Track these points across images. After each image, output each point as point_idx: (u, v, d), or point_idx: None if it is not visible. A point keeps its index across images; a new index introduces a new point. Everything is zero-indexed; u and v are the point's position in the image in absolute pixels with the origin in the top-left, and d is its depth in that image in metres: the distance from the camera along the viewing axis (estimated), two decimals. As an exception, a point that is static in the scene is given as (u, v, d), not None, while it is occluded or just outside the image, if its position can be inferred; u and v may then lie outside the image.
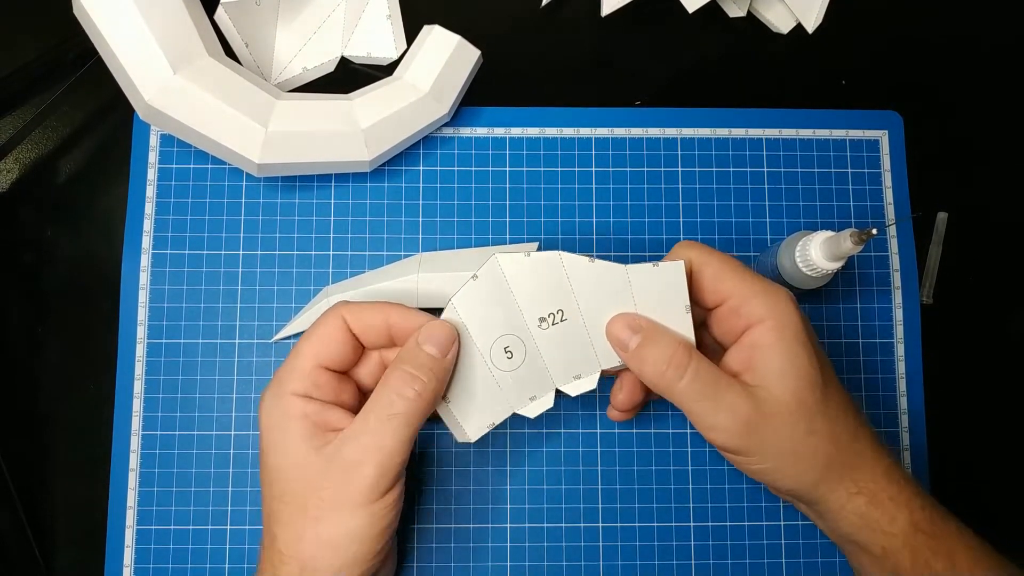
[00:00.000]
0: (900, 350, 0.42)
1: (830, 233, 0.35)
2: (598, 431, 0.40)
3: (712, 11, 0.44)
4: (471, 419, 0.33)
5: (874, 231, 0.32)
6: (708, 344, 0.35)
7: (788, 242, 0.38)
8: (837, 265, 0.35)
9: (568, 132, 0.43)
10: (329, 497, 0.30)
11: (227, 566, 0.39)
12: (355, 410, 0.32)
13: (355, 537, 0.30)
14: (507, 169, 0.43)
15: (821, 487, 0.31)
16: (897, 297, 0.42)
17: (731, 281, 0.32)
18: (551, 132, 0.43)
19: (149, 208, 0.41)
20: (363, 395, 0.35)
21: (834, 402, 0.32)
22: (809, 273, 0.36)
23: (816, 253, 0.35)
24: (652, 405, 0.40)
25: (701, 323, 0.35)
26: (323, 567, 0.29)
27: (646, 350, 0.32)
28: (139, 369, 0.40)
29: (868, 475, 0.32)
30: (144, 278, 0.41)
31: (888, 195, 0.43)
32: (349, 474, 0.30)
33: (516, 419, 0.40)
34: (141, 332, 0.40)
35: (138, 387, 0.40)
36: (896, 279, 0.42)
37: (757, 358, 0.31)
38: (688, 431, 0.40)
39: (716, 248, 0.34)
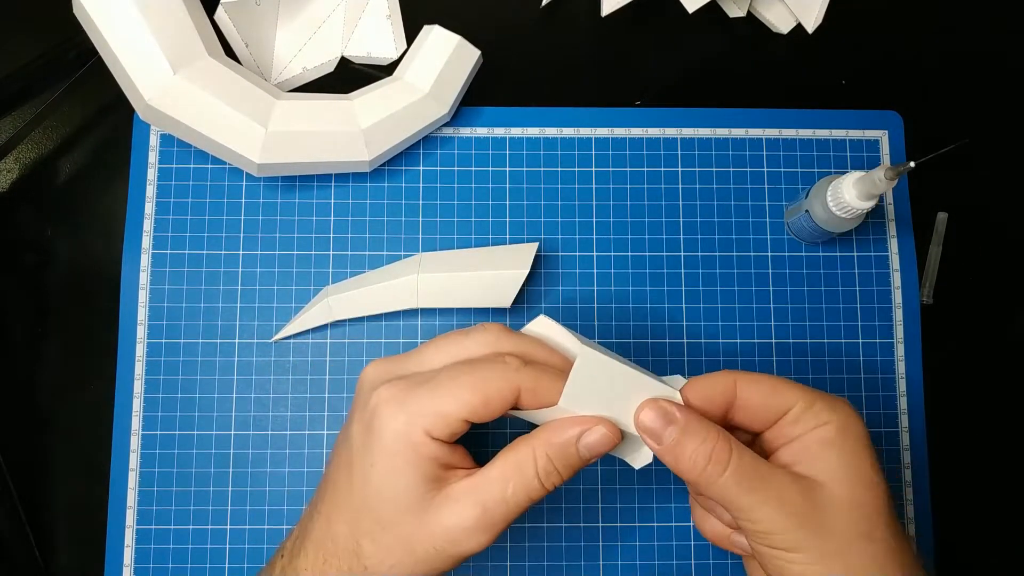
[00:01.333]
0: (900, 350, 0.42)
1: (862, 172, 0.35)
2: (598, 431, 0.40)
3: (712, 11, 0.44)
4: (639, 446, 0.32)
5: (911, 164, 0.31)
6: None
7: (818, 186, 0.38)
8: (870, 204, 0.35)
9: (568, 132, 0.43)
10: (435, 543, 0.29)
11: (227, 566, 0.39)
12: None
13: (439, 572, 0.30)
14: (507, 169, 0.43)
15: None
16: (897, 297, 0.42)
17: (790, 391, 0.30)
18: (551, 132, 0.43)
19: (149, 208, 0.41)
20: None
21: (896, 521, 0.29)
22: (841, 214, 0.36)
23: (849, 193, 0.35)
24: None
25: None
26: None
27: (683, 445, 0.29)
28: (139, 369, 0.40)
29: None
30: (144, 278, 0.41)
31: (888, 195, 0.43)
32: (460, 534, 0.29)
33: (516, 419, 0.40)
34: (141, 332, 0.40)
35: (138, 387, 0.40)
36: (896, 279, 0.42)
37: (813, 453, 0.29)
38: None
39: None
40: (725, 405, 0.31)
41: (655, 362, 0.41)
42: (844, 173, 0.36)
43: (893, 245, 0.42)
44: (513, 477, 0.30)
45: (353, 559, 0.30)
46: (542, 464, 0.30)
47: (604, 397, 0.30)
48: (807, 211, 0.38)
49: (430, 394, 0.29)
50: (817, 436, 0.29)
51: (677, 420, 0.29)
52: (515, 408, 0.30)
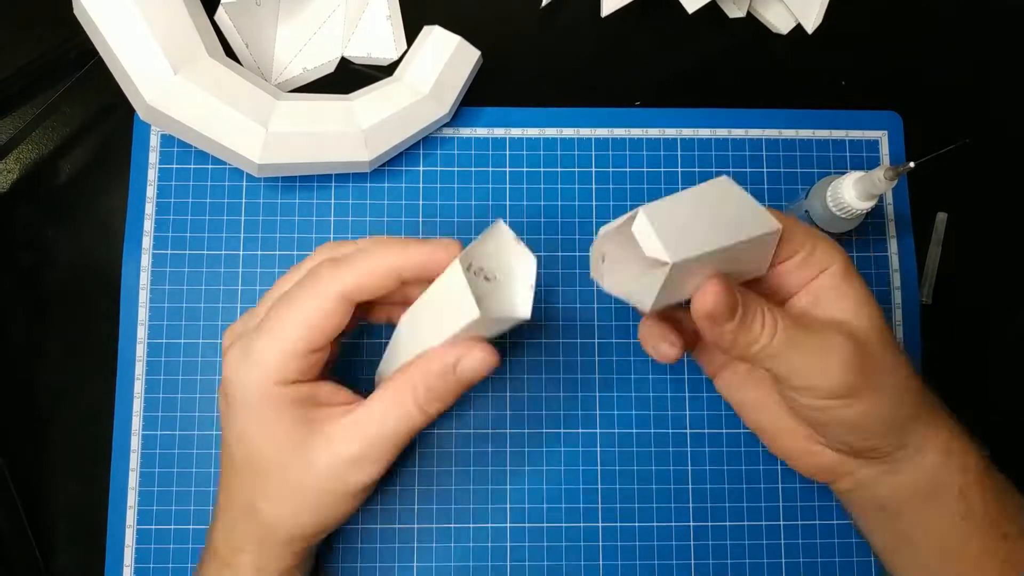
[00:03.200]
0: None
1: (862, 172, 0.35)
2: (598, 431, 0.40)
3: (712, 11, 0.44)
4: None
5: (911, 164, 0.32)
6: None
7: (818, 186, 0.38)
8: (869, 204, 0.35)
9: (568, 132, 0.43)
10: (323, 485, 0.30)
11: (227, 566, 0.39)
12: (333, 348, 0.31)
13: (344, 516, 0.32)
14: (507, 169, 0.43)
15: (909, 425, 0.31)
16: (897, 297, 0.42)
17: (798, 235, 0.30)
18: (551, 132, 0.43)
19: (149, 208, 0.41)
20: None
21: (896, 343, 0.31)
22: (840, 214, 0.36)
23: (848, 193, 0.35)
24: (652, 404, 0.40)
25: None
26: (310, 535, 0.32)
27: (748, 328, 0.29)
28: (139, 369, 0.40)
29: (942, 411, 0.31)
30: (144, 278, 0.41)
31: (888, 195, 0.43)
32: (347, 472, 0.30)
33: (516, 419, 0.40)
34: (141, 332, 0.40)
35: (138, 387, 0.40)
36: (896, 279, 0.42)
37: (833, 296, 0.30)
38: (688, 431, 0.40)
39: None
40: None
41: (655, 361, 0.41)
42: (844, 173, 0.36)
43: (893, 245, 0.42)
44: (393, 410, 0.30)
45: (252, 519, 0.31)
46: (421, 394, 0.29)
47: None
48: (807, 211, 0.38)
49: (263, 342, 0.29)
50: (829, 280, 0.30)
51: (734, 302, 0.28)
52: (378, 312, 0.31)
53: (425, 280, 0.30)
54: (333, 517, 0.31)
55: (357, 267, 0.29)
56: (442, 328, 0.29)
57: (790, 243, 0.30)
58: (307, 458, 0.29)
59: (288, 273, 0.33)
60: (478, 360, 0.29)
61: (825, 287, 0.30)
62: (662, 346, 0.32)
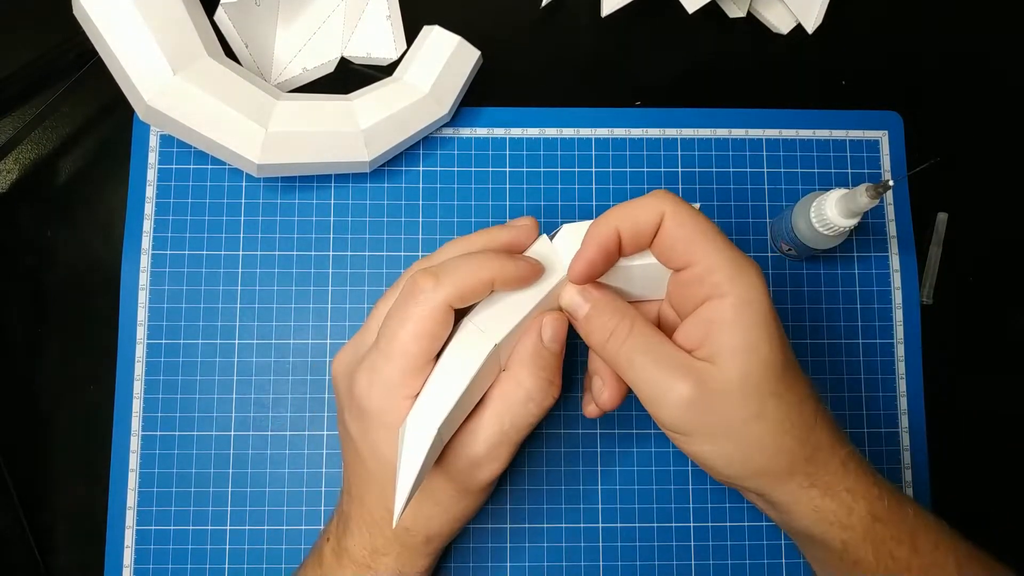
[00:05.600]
0: (900, 350, 0.42)
1: (845, 190, 0.35)
2: (598, 431, 0.40)
3: (712, 11, 0.44)
4: None
5: (891, 183, 0.31)
6: (666, 317, 0.34)
7: (802, 203, 0.38)
8: (852, 222, 0.35)
9: (568, 132, 0.43)
10: (455, 485, 0.32)
11: (227, 566, 0.39)
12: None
13: (473, 512, 0.34)
14: (507, 169, 0.43)
15: (769, 478, 0.30)
16: (897, 297, 0.42)
17: (700, 245, 0.29)
18: (551, 132, 0.43)
19: (149, 208, 0.41)
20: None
21: (792, 389, 0.29)
22: (825, 232, 0.36)
23: (832, 211, 0.35)
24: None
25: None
26: (445, 533, 0.34)
27: (593, 318, 0.31)
28: (139, 369, 0.40)
29: (823, 467, 0.30)
30: (144, 278, 0.41)
31: (888, 195, 0.43)
32: (478, 469, 0.32)
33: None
34: (141, 332, 0.40)
35: (138, 387, 0.40)
36: (896, 279, 0.42)
37: (712, 333, 0.29)
38: (688, 431, 0.40)
39: (660, 190, 0.32)
40: (650, 234, 0.30)
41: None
42: (828, 190, 0.36)
43: (893, 245, 0.42)
44: (506, 409, 0.32)
45: (390, 526, 0.33)
46: (530, 384, 0.32)
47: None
48: (792, 227, 0.38)
49: (385, 360, 0.31)
50: (713, 311, 0.29)
51: (590, 298, 0.31)
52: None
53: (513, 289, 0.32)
54: (463, 516, 0.34)
55: (457, 276, 0.30)
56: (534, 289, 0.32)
57: (686, 254, 0.30)
58: (442, 465, 0.32)
59: (386, 293, 0.35)
60: (554, 319, 0.32)
61: (714, 320, 0.29)
62: (587, 407, 0.35)
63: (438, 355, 0.31)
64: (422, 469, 0.28)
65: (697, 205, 0.31)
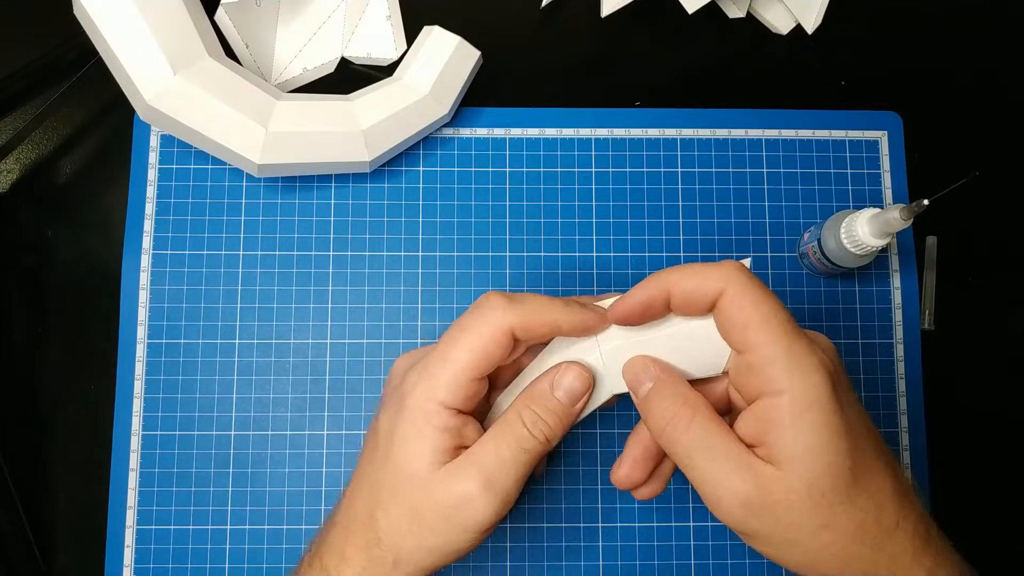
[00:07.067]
0: (900, 351, 0.42)
1: (876, 209, 0.34)
2: (598, 431, 0.40)
3: (712, 11, 0.44)
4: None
5: (925, 202, 0.31)
6: (733, 398, 0.32)
7: (832, 220, 0.38)
8: (883, 242, 0.35)
9: (568, 132, 0.43)
10: (443, 513, 0.30)
11: (227, 566, 0.39)
12: (483, 409, 0.32)
13: (456, 551, 0.30)
14: (507, 169, 0.43)
15: None
16: (897, 298, 0.42)
17: (756, 331, 0.27)
18: (551, 132, 0.43)
19: (149, 208, 0.41)
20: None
21: (868, 493, 0.27)
22: (855, 251, 0.36)
23: (863, 230, 0.35)
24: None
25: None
26: (417, 563, 0.30)
27: (653, 400, 0.29)
28: (139, 369, 0.40)
29: (905, 571, 0.27)
30: (144, 278, 0.41)
31: (888, 195, 0.43)
32: (467, 505, 0.29)
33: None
34: (141, 332, 0.40)
35: (138, 387, 0.40)
36: (896, 280, 0.42)
37: (770, 433, 0.27)
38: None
39: (716, 251, 0.32)
40: (704, 306, 0.29)
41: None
42: (860, 208, 0.36)
43: (893, 245, 0.42)
44: (504, 435, 0.30)
45: (369, 532, 0.31)
46: (527, 416, 0.30)
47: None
48: (820, 245, 0.38)
49: (436, 362, 0.30)
50: (768, 410, 0.27)
51: (652, 376, 0.30)
52: (520, 349, 0.32)
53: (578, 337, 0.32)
54: (445, 549, 0.30)
55: (527, 306, 0.30)
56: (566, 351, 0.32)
57: (742, 339, 0.28)
58: (431, 484, 0.30)
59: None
60: (574, 373, 0.31)
61: (771, 420, 0.27)
62: (618, 475, 0.33)
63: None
64: None
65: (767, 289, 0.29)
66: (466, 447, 0.31)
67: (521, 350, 0.33)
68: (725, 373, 0.31)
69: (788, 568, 0.28)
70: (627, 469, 0.32)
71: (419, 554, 0.30)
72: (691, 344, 0.30)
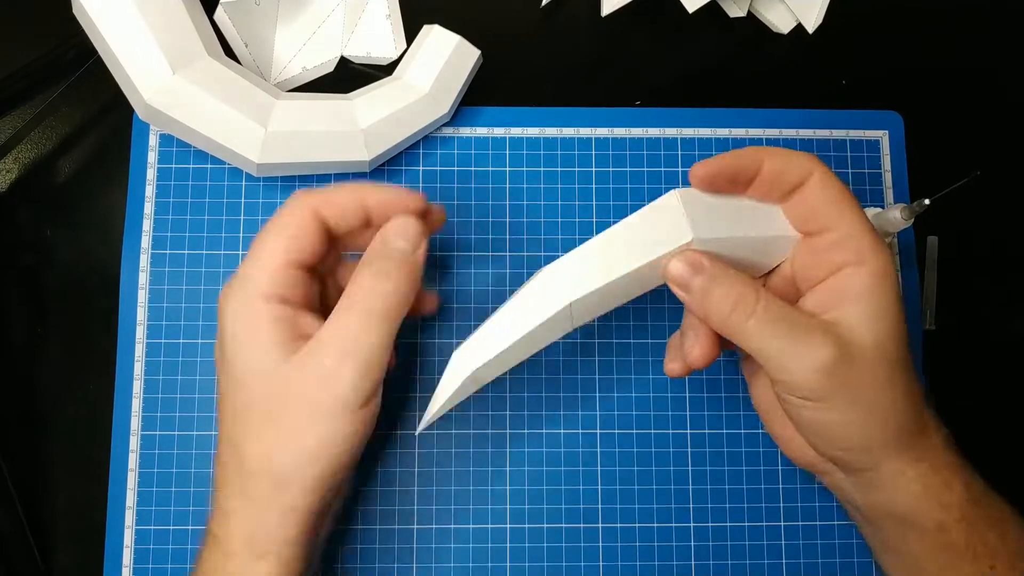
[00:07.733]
0: (900, 350, 0.42)
1: (877, 209, 0.34)
2: (598, 431, 0.40)
3: (712, 11, 0.44)
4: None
5: (926, 202, 0.31)
6: (780, 290, 0.32)
7: None
8: (886, 241, 0.34)
9: (568, 132, 0.43)
10: (306, 406, 0.28)
11: (227, 566, 0.39)
12: (323, 315, 0.30)
13: (335, 444, 0.28)
14: (507, 169, 0.42)
15: (887, 449, 0.29)
16: (897, 297, 0.42)
17: (844, 210, 0.29)
18: (551, 132, 0.43)
19: (148, 208, 0.41)
20: (326, 299, 0.33)
21: (910, 363, 0.30)
22: None
23: None
24: (652, 404, 0.40)
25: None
26: (299, 478, 0.28)
27: (713, 289, 0.29)
28: (139, 369, 0.40)
29: (932, 441, 0.30)
30: (143, 278, 0.41)
31: (889, 195, 0.43)
32: (327, 381, 0.28)
33: (516, 419, 0.40)
34: (141, 332, 0.40)
35: (138, 387, 0.40)
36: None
37: (846, 299, 0.29)
38: (688, 431, 0.40)
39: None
40: (788, 186, 0.30)
41: (655, 360, 0.41)
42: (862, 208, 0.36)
43: (894, 245, 0.42)
44: (346, 306, 0.29)
45: (240, 469, 0.29)
46: (364, 278, 0.29)
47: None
48: None
49: (246, 263, 0.30)
50: (850, 277, 0.29)
51: (705, 269, 0.29)
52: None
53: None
54: (321, 452, 0.28)
55: (326, 191, 0.31)
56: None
57: (827, 217, 0.29)
58: (284, 376, 0.28)
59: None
60: (399, 220, 0.31)
61: (849, 287, 0.29)
62: (671, 364, 0.33)
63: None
64: (447, 402, 0.29)
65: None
66: (305, 330, 0.29)
67: (343, 233, 0.32)
68: (773, 270, 0.32)
69: (837, 441, 0.30)
70: (700, 349, 0.31)
71: (295, 468, 0.28)
72: (750, 244, 0.30)
